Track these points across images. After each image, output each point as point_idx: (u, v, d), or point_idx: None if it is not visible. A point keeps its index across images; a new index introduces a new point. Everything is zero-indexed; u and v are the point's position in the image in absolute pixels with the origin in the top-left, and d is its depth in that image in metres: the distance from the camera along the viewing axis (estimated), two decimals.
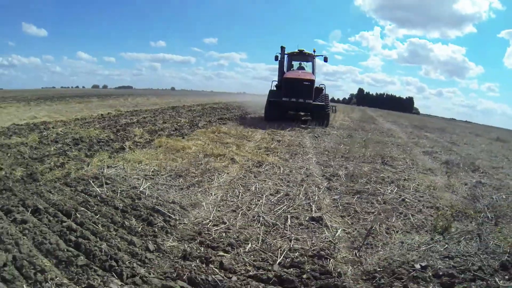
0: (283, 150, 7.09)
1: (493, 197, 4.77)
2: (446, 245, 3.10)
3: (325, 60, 14.92)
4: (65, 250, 2.59)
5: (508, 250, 3.00)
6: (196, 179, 4.60)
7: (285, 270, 2.51)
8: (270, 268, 2.52)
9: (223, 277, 2.37)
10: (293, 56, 14.99)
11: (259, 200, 3.94)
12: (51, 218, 3.21)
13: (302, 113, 13.97)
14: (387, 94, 71.81)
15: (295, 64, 15.29)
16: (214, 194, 4.08)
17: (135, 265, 2.46)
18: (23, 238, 2.74)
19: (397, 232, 3.34)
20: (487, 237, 3.33)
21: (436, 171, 6.31)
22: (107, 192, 3.97)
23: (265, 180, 4.78)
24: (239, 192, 4.21)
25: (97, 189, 4.05)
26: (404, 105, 60.37)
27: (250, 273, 2.45)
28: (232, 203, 3.86)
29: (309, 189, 4.43)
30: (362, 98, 65.91)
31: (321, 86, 13.88)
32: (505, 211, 4.16)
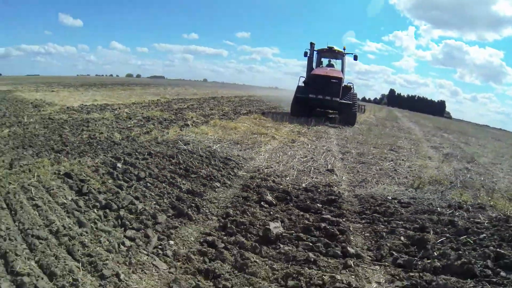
0: (311, 134, 8.86)
1: (471, 177, 6.26)
2: (414, 193, 4.75)
3: (355, 58, 14.68)
4: (179, 172, 4.59)
5: (457, 199, 4.61)
6: (249, 146, 6.54)
7: (309, 187, 4.35)
8: (299, 187, 4.38)
9: (275, 185, 4.27)
10: (322, 53, 14.73)
11: (293, 159, 5.79)
12: (161, 158, 5.22)
13: (330, 111, 13.90)
14: (418, 96, 69.85)
15: (325, 61, 15.03)
16: (263, 154, 5.99)
17: (225, 179, 4.41)
18: (151, 167, 4.78)
19: (383, 184, 5.05)
20: (448, 194, 4.92)
21: (434, 158, 7.77)
22: (191, 148, 5.98)
23: (297, 150, 6.62)
24: (279, 155, 6.09)
25: (184, 146, 6.06)
26: (436, 108, 58.84)
27: (289, 187, 4.32)
28: (275, 159, 5.75)
29: (327, 157, 6.22)
30: (393, 99, 64.48)
31: (349, 84, 13.68)
32: (473, 185, 5.57)
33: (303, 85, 13.32)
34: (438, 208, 4.08)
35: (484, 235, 3.31)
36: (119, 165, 4.68)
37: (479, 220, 3.75)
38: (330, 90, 12.29)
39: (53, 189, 3.69)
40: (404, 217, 3.61)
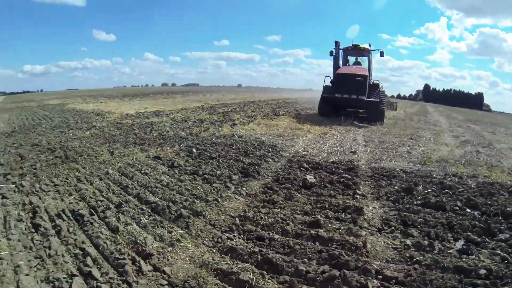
0: (341, 129, 10.17)
1: (479, 158, 7.25)
2: (419, 167, 5.98)
3: (382, 54, 14.24)
4: (240, 153, 6.25)
5: (455, 171, 5.76)
6: (289, 138, 8.09)
7: (335, 161, 5.79)
8: (328, 161, 5.84)
9: (310, 160, 5.78)
10: (348, 51, 14.38)
11: (324, 146, 7.25)
12: (223, 146, 6.88)
13: (360, 110, 13.39)
14: (454, 90, 66.25)
15: (351, 59, 14.76)
16: (301, 143, 7.50)
17: (274, 157, 5.99)
18: (218, 150, 6.48)
19: (395, 161, 6.31)
20: (449, 168, 6.08)
21: (450, 145, 8.67)
22: (244, 139, 7.63)
23: (328, 140, 8.05)
24: (313, 143, 7.58)
25: (238, 138, 7.75)
26: (473, 101, 55.47)
27: (320, 161, 5.79)
28: (310, 146, 7.24)
29: (352, 144, 7.58)
30: (428, 95, 61.30)
31: (375, 81, 13.40)
32: (478, 163, 6.54)
33: (330, 85, 13.03)
34: (434, 175, 5.30)
35: (463, 189, 4.53)
36: (194, 150, 6.47)
37: (467, 183, 4.92)
38: (355, 89, 12.01)
39: (151, 165, 5.50)
40: (403, 178, 4.94)
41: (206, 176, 4.85)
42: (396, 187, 4.43)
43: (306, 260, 2.62)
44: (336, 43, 13.78)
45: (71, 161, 5.82)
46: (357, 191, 4.18)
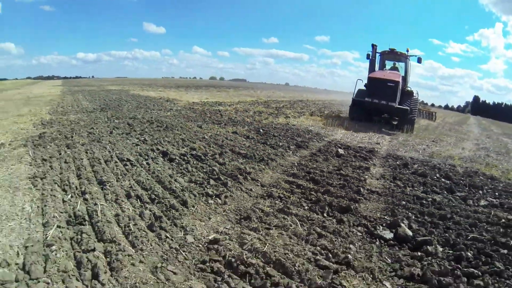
0: (372, 127, 12.13)
1: (485, 159, 8.83)
2: (426, 158, 7.88)
3: (419, 61, 13.38)
4: (294, 135, 8.65)
5: (455, 163, 7.58)
6: (330, 130, 10.30)
7: (361, 146, 7.94)
8: (356, 146, 8.00)
9: (343, 144, 8.01)
10: (385, 55, 13.90)
11: (356, 138, 9.36)
12: (281, 130, 9.29)
13: (389, 117, 13.18)
14: (505, 104, 61.07)
15: (389, 64, 14.26)
16: (338, 135, 9.69)
17: (318, 140, 8.30)
18: (278, 131, 8.93)
19: (410, 153, 8.26)
20: (450, 161, 7.90)
21: (466, 149, 10.21)
22: (296, 128, 9.98)
23: (359, 135, 10.12)
24: (349, 136, 9.73)
25: (292, 126, 10.12)
26: None
27: (350, 145, 7.98)
28: (345, 137, 9.40)
29: (379, 139, 9.58)
30: (477, 107, 57.19)
31: (409, 88, 13.13)
32: (481, 162, 8.10)
33: (364, 88, 12.71)
34: (434, 162, 7.22)
35: (448, 170, 6.48)
36: (260, 130, 8.96)
37: (456, 169, 6.78)
38: (386, 94, 11.63)
39: (232, 136, 8.03)
40: (407, 161, 6.99)
41: (272, 145, 7.30)
42: (397, 163, 6.54)
43: (331, 180, 4.96)
44: (373, 46, 13.55)
45: (171, 129, 8.48)
46: (370, 161, 6.38)
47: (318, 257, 2.82)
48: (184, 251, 2.84)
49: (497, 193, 5.22)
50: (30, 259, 2.50)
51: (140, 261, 2.63)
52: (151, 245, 2.87)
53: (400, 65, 13.95)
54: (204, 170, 5.11)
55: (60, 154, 5.61)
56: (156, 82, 59.20)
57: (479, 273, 2.81)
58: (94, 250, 2.72)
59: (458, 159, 7.91)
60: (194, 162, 5.51)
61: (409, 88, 13.27)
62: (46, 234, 2.88)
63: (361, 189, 4.55)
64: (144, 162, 5.36)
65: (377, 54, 13.75)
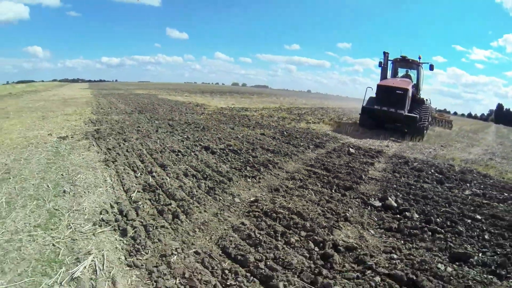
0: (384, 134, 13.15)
1: (486, 162, 9.70)
2: (429, 159, 8.90)
3: (431, 68, 13.20)
4: (314, 138, 9.93)
5: (453, 164, 8.55)
6: (345, 134, 11.47)
7: (371, 148, 9.09)
8: (366, 147, 9.17)
9: (355, 145, 9.21)
10: (396, 63, 13.89)
11: (368, 141, 10.49)
12: (304, 133, 10.59)
13: (399, 124, 12.98)
14: None
15: (401, 71, 14.22)
16: (351, 138, 10.85)
17: (334, 142, 9.53)
18: (300, 134, 10.26)
19: (414, 155, 9.29)
20: (451, 162, 8.87)
21: (472, 153, 11.07)
22: (316, 131, 11.24)
23: (372, 137, 11.22)
24: (361, 140, 10.85)
25: (312, 130, 11.38)
26: None
27: (362, 146, 9.15)
28: (358, 140, 10.54)
29: (389, 143, 10.65)
30: (501, 115, 54.97)
31: (419, 96, 13.14)
32: (479, 163, 9.12)
33: (375, 96, 12.69)
34: (435, 163, 8.26)
35: (443, 167, 7.52)
36: (284, 132, 10.29)
37: (453, 168, 7.80)
38: (394, 102, 11.68)
39: (260, 137, 9.40)
40: (410, 160, 8.08)
41: (294, 144, 8.61)
42: (400, 161, 7.67)
43: (340, 170, 6.21)
44: (385, 53, 13.58)
45: (207, 130, 10.00)
46: (376, 159, 7.56)
47: (325, 213, 4.12)
48: (234, 207, 4.22)
49: (483, 186, 6.14)
50: (125, 208, 3.90)
51: (204, 211, 4.02)
52: (210, 203, 4.26)
53: (413, 73, 13.95)
54: (241, 160, 6.51)
55: (120, 145, 7.16)
56: (180, 87, 61.55)
57: (442, 231, 3.98)
58: (170, 204, 4.14)
59: (459, 161, 8.80)
60: (232, 155, 6.92)
61: (421, 96, 13.44)
62: (130, 196, 4.33)
63: (363, 176, 5.79)
64: (192, 153, 6.82)
65: (389, 62, 13.78)
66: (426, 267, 2.99)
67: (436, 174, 6.75)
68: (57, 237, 3.13)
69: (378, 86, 12.28)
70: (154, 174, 5.23)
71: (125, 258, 2.88)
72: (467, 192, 5.71)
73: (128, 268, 2.76)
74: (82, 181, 4.68)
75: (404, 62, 13.72)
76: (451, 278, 2.84)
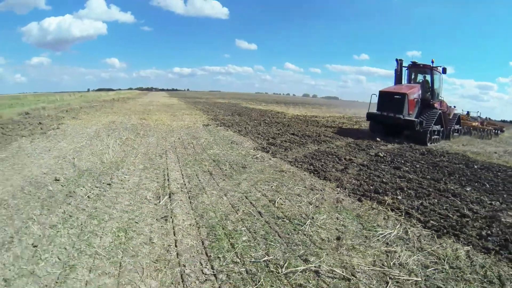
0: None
1: (498, 153, 12.99)
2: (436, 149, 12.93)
3: (444, 71, 13.02)
4: (353, 133, 14.87)
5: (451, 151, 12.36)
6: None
7: (379, 155, 13.57)
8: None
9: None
10: (410, 69, 13.69)
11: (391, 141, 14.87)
12: (354, 130, 15.44)
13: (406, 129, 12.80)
14: None
15: (419, 77, 13.85)
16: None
17: (383, 147, 14.32)
18: (350, 132, 15.23)
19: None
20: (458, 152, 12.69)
21: (489, 150, 13.98)
22: (360, 130, 15.97)
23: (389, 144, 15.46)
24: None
25: (358, 129, 16.15)
26: None
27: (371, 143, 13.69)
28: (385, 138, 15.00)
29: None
30: None
31: (433, 100, 12.95)
32: (483, 154, 12.62)
33: (377, 102, 12.75)
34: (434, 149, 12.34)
35: (438, 153, 11.72)
36: (339, 129, 15.35)
37: (449, 152, 11.86)
38: (393, 107, 11.88)
39: (326, 131, 14.62)
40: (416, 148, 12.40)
41: (342, 136, 13.62)
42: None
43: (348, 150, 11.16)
44: (397, 60, 13.61)
45: (291, 127, 15.24)
46: (380, 149, 12.17)
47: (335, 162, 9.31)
48: (308, 150, 9.65)
49: (465, 163, 10.45)
50: (268, 148, 9.72)
51: (299, 149, 9.57)
52: (299, 148, 9.77)
53: (428, 78, 13.52)
54: (310, 139, 11.92)
55: (243, 130, 13.07)
56: (253, 97, 65.07)
57: (407, 169, 8.79)
58: (284, 148, 9.83)
59: (470, 154, 10.67)
60: (306, 137, 12.35)
61: (443, 100, 13.75)
62: (263, 145, 10.13)
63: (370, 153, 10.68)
64: (285, 135, 12.41)
65: (404, 69, 13.64)
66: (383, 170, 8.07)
67: (423, 151, 11.17)
68: (241, 153, 9.05)
69: (380, 93, 12.70)
70: (271, 140, 10.95)
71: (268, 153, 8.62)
72: (445, 163, 10.13)
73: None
74: (239, 141, 10.59)
75: (415, 67, 13.59)
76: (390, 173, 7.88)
